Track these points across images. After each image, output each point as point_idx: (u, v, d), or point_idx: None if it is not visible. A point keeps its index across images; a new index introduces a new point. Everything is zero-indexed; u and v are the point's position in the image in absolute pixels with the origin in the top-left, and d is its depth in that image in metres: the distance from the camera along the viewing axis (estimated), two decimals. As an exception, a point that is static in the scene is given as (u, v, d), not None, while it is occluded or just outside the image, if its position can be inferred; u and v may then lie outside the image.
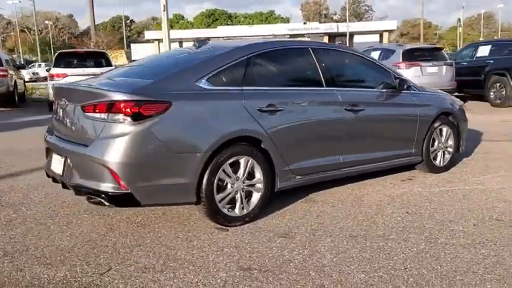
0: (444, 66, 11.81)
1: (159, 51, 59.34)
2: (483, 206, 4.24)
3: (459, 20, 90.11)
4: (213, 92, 3.67)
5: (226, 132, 3.61)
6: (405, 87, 4.93)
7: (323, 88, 4.33)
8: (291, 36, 57.92)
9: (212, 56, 3.89)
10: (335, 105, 4.32)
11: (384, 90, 4.82)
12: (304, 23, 57.19)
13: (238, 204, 3.75)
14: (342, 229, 3.72)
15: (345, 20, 75.99)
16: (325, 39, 53.79)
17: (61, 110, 3.84)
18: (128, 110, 3.28)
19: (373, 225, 3.80)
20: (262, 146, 3.81)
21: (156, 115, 3.34)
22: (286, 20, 76.09)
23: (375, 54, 12.17)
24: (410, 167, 5.42)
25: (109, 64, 13.21)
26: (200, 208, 3.69)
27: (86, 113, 3.49)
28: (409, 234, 3.59)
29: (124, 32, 51.17)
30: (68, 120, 3.72)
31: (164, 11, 19.11)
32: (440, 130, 5.35)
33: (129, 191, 3.30)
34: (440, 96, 5.53)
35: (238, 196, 3.75)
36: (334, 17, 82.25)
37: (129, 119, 3.28)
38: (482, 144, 7.20)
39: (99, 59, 13.41)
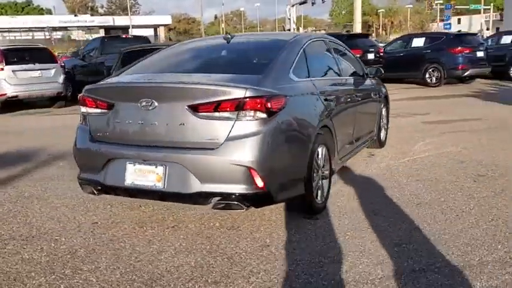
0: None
1: None
2: (461, 166, 5.27)
3: (216, 16, 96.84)
4: (300, 84, 3.71)
5: (318, 122, 3.72)
6: (369, 75, 5.62)
7: (342, 77, 4.70)
8: (61, 28, 53.71)
9: (284, 49, 3.86)
10: (351, 92, 4.75)
11: (363, 77, 5.43)
12: (75, 15, 53.80)
13: (320, 192, 3.88)
14: (400, 200, 4.20)
15: (111, 14, 74.01)
16: (101, 33, 51.68)
17: (140, 112, 3.28)
18: (262, 106, 3.11)
19: (414, 194, 4.39)
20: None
21: (280, 110, 3.25)
22: (48, 12, 69.88)
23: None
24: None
25: None
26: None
27: (200, 113, 3.13)
28: (452, 195, 4.31)
29: None
30: (159, 123, 3.23)
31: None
32: (382, 111, 6.26)
33: (266, 189, 3.16)
34: (380, 82, 6.44)
35: (319, 184, 3.88)
36: (101, 10, 79.21)
37: (264, 115, 3.12)
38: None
39: None
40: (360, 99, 4.98)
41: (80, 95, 3.68)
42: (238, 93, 3.09)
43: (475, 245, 3.24)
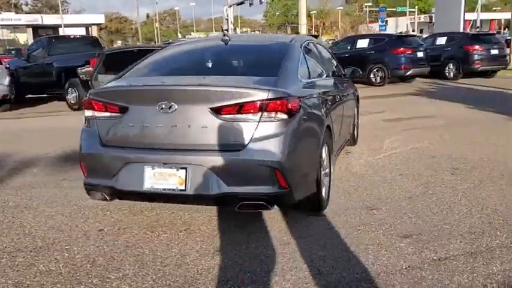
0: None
1: None
2: (434, 160, 5.61)
3: (148, 15, 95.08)
4: (306, 85, 3.81)
5: (324, 122, 3.84)
6: (346, 75, 5.84)
7: (331, 77, 4.87)
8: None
9: (288, 51, 3.94)
10: (339, 92, 4.92)
11: (342, 77, 5.63)
12: (-2, 13, 50.74)
13: (324, 190, 4.00)
14: (393, 195, 4.42)
15: (37, 12, 70.43)
16: (30, 32, 49.17)
17: (159, 115, 3.23)
18: (284, 107, 3.18)
19: (402, 189, 4.63)
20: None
21: (298, 110, 3.33)
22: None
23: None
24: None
25: None
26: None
27: (223, 115, 3.14)
28: (438, 188, 4.59)
29: None
30: (180, 126, 3.20)
31: None
32: (355, 109, 6.51)
33: (289, 189, 3.23)
34: (352, 82, 6.69)
35: (324, 182, 4.00)
36: (25, 8, 75.13)
37: (285, 116, 3.19)
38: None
39: None
40: (344, 98, 5.17)
41: (84, 98, 3.56)
42: (261, 94, 3.14)
43: (477, 233, 3.50)
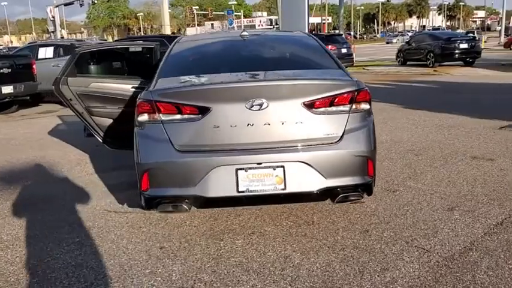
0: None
1: None
2: (386, 145, 6.17)
3: None
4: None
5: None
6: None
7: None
8: None
9: (319, 43, 4.01)
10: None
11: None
12: None
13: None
14: (396, 177, 4.80)
15: None
16: None
17: (248, 114, 3.02)
18: (367, 97, 3.28)
19: (397, 171, 5.05)
20: None
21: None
22: None
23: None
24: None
25: None
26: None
27: (316, 109, 3.10)
28: (421, 167, 5.13)
29: None
30: (273, 124, 3.05)
31: None
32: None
33: (374, 177, 3.34)
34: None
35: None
36: None
37: (368, 106, 3.29)
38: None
39: None
40: None
41: (141, 99, 3.14)
42: (350, 86, 3.20)
43: (497, 199, 4.04)
